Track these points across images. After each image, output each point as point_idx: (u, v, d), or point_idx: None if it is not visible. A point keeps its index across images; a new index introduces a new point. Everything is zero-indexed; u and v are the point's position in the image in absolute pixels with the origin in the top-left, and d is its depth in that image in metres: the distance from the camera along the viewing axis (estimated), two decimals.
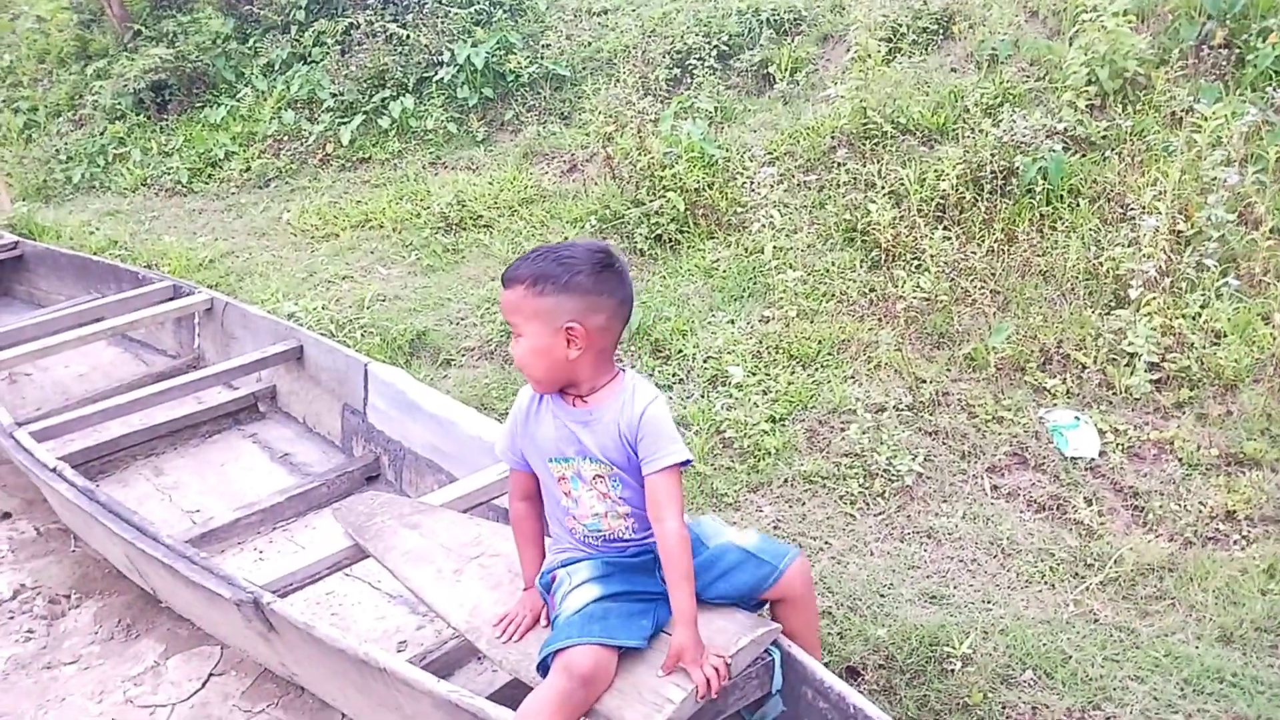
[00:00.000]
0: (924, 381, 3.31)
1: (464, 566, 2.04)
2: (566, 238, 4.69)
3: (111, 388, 4.23)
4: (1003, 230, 3.81)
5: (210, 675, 2.48)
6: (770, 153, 4.68)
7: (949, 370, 3.38)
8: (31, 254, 5.40)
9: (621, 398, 1.86)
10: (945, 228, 3.87)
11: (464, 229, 5.04)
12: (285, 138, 6.45)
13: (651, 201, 4.46)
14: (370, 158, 6.08)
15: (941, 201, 3.99)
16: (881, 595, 2.58)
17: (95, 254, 5.51)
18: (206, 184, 6.40)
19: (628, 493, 1.90)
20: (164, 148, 6.80)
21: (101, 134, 7.15)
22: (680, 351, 3.68)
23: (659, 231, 4.43)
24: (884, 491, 2.94)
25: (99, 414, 3.43)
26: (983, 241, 3.81)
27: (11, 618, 2.76)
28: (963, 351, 3.41)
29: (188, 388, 3.61)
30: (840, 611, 2.52)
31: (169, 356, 4.59)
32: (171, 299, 4.43)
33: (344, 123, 6.27)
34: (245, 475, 3.46)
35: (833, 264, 3.97)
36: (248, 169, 6.31)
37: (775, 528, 2.86)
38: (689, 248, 4.35)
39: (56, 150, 7.17)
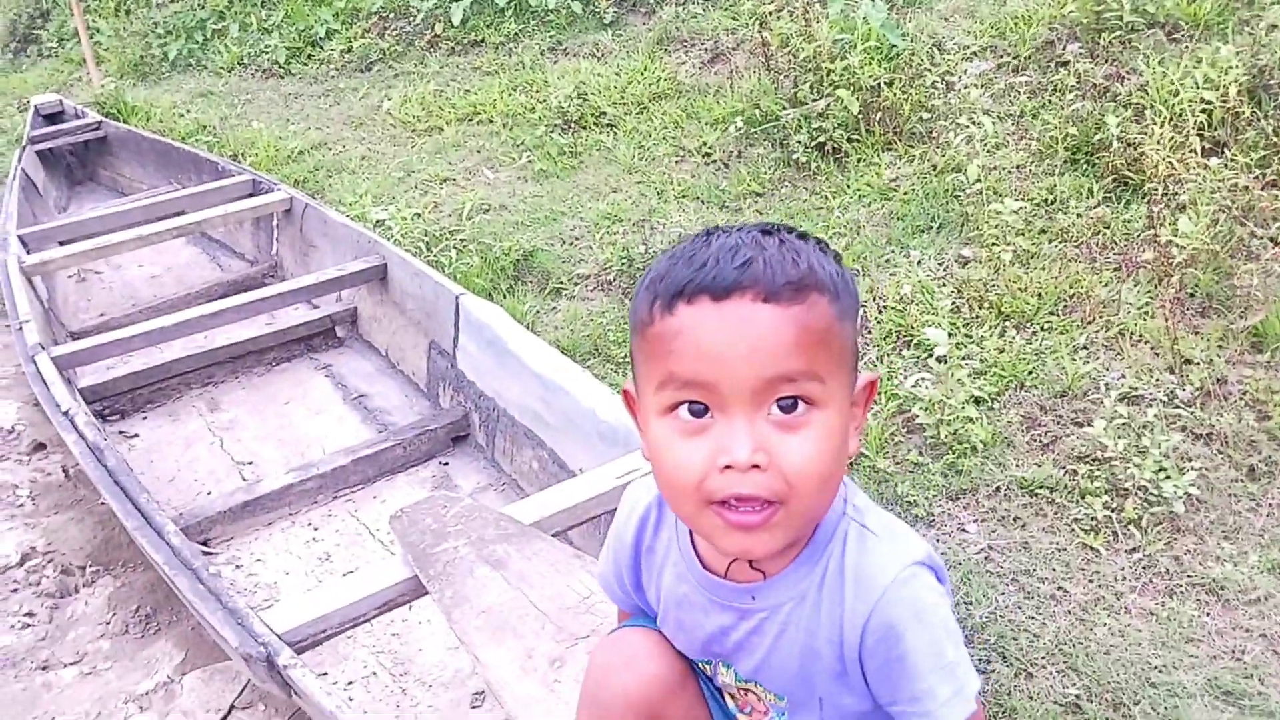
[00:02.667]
0: (1191, 363, 2.45)
1: (566, 654, 1.36)
2: (705, 142, 3.89)
3: (179, 296, 3.72)
4: None
5: (232, 707, 1.90)
6: (967, 47, 3.75)
7: (1224, 348, 2.49)
8: (115, 136, 4.93)
9: (825, 554, 0.96)
10: (1215, 152, 2.92)
11: (584, 128, 4.28)
12: (391, 15, 5.75)
13: (815, 101, 3.60)
14: (483, 40, 5.33)
15: (1207, 117, 3.02)
16: (1153, 685, 1.80)
17: (183, 139, 5.00)
18: (304, 65, 5.78)
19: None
20: (263, 23, 6.21)
21: (201, 6, 6.61)
22: None
23: (822, 139, 3.57)
24: (1140, 519, 2.13)
25: (149, 335, 2.87)
26: (1267, 173, 2.85)
27: (15, 591, 2.24)
28: (1245, 324, 2.52)
29: (254, 306, 3.02)
30: (1095, 706, 1.76)
31: (246, 261, 4.04)
32: (250, 195, 3.87)
33: None
34: (312, 419, 2.87)
35: (1052, 192, 3.07)
36: (349, 50, 5.66)
37: (987, 559, 2.10)
38: (860, 161, 3.50)
39: (154, 24, 6.67)
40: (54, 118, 5.02)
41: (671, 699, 1.09)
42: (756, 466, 0.85)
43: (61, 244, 3.70)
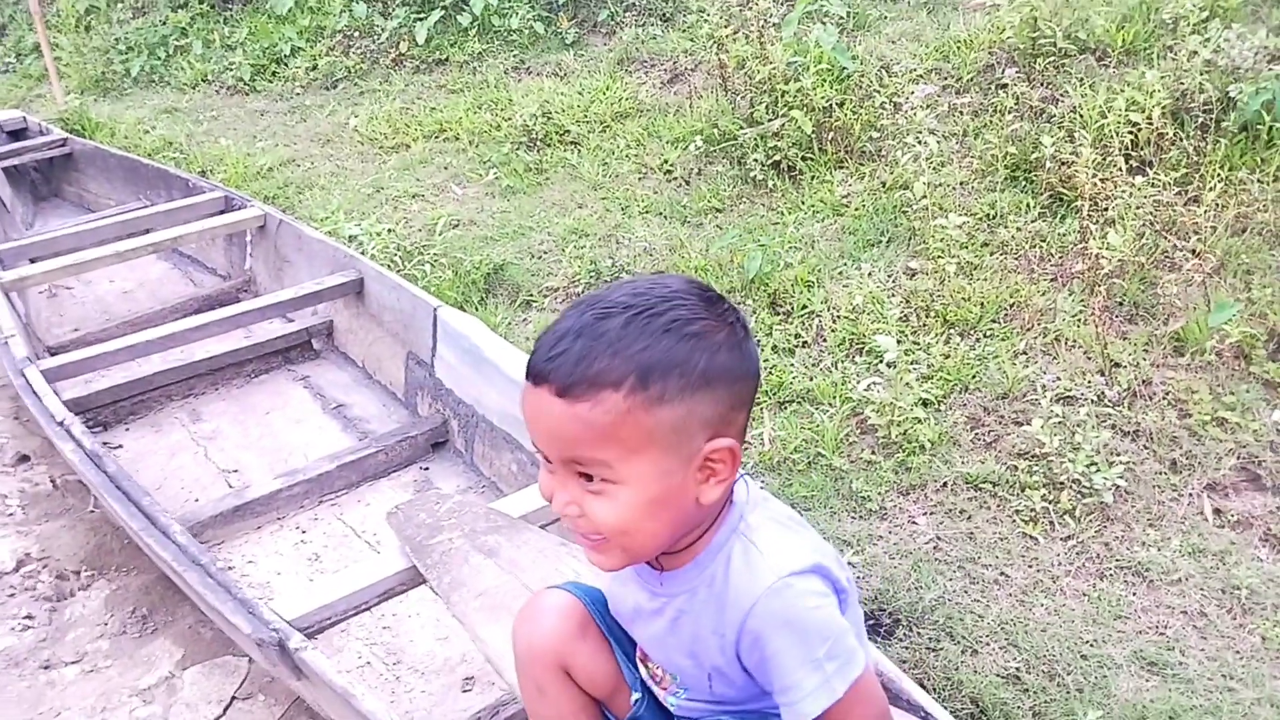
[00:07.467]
0: (1119, 365, 2.66)
1: None
2: (666, 160, 4.06)
3: (154, 311, 3.79)
4: (1216, 177, 3.07)
5: (233, 698, 2.01)
6: (912, 70, 3.96)
7: (1149, 352, 2.71)
8: (81, 153, 4.96)
9: (715, 561, 1.08)
10: (1140, 170, 3.15)
11: (548, 145, 4.42)
12: (356, 34, 5.85)
13: (770, 121, 3.79)
14: (447, 59, 5.46)
15: (1133, 137, 3.25)
16: (1084, 657, 1.99)
17: (149, 155, 5.06)
18: (270, 83, 5.86)
19: (731, 693, 1.16)
20: (226, 40, 6.27)
21: (163, 23, 6.66)
22: (805, 307, 3.06)
23: (778, 157, 3.76)
24: (1074, 509, 2.32)
25: (131, 349, 2.95)
26: (1188, 190, 3.08)
27: (12, 595, 2.33)
28: (1167, 330, 2.74)
29: (234, 320, 3.11)
30: (1033, 677, 1.94)
31: (219, 276, 4.12)
32: (222, 212, 3.95)
33: (420, 18, 5.64)
34: (293, 428, 2.97)
35: (993, 207, 3.28)
36: (314, 67, 5.75)
37: (935, 548, 2.27)
38: (814, 178, 3.69)
39: (116, 40, 6.69)
40: (18, 134, 5.05)
41: (572, 645, 1.25)
42: (571, 515, 1.03)
43: (33, 261, 3.75)
